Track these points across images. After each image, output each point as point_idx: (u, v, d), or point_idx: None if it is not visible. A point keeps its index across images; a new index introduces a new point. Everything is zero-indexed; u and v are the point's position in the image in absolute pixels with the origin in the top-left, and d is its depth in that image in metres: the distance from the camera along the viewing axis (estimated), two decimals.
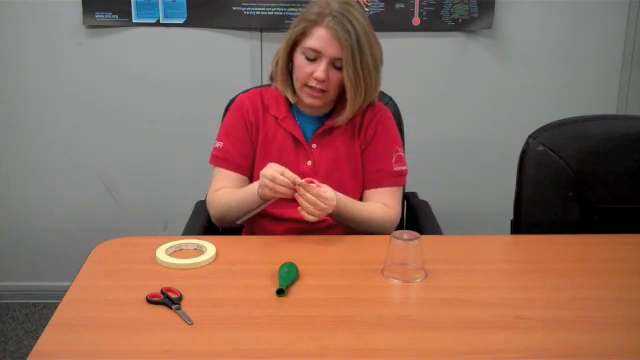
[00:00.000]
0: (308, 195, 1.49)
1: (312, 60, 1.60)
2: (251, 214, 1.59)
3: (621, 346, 1.16)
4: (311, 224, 1.68)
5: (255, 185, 1.59)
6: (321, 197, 1.50)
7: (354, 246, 1.55)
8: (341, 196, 1.58)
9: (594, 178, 1.75)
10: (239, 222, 1.62)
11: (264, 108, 1.72)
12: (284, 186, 1.49)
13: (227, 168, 1.70)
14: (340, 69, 1.60)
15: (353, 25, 1.57)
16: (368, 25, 1.61)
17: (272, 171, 1.50)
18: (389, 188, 1.71)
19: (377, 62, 1.64)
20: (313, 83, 1.61)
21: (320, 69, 1.59)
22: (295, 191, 1.50)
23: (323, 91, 1.62)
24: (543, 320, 1.22)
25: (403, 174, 1.74)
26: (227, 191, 1.68)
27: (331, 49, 1.58)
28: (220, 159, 1.71)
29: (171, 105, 2.53)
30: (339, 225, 1.67)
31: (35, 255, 2.69)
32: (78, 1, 2.38)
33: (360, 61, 1.58)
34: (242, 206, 1.62)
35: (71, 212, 2.64)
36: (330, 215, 1.57)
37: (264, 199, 1.57)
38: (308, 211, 1.50)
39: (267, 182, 1.50)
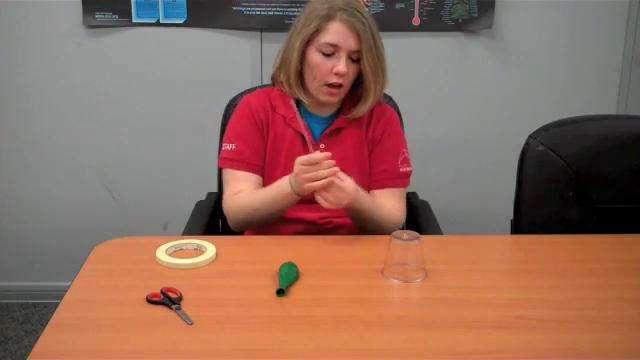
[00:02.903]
0: (321, 174, 1.47)
1: (329, 56, 1.60)
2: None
3: (621, 346, 1.16)
4: (317, 226, 1.69)
5: (284, 181, 1.56)
6: (337, 187, 1.48)
7: (354, 246, 1.55)
8: (361, 192, 1.57)
9: (594, 178, 1.75)
10: None
11: (272, 108, 1.70)
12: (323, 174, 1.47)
13: (243, 169, 1.67)
14: (356, 61, 1.61)
15: (364, 16, 1.59)
16: (371, 16, 1.63)
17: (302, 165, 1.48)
18: (395, 189, 1.71)
19: (385, 52, 1.65)
20: (334, 79, 1.60)
21: (341, 63, 1.58)
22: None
23: (340, 86, 1.62)
24: (543, 320, 1.22)
25: (408, 175, 1.74)
26: (247, 194, 1.65)
27: (349, 42, 1.58)
28: (234, 161, 1.68)
29: (171, 105, 2.53)
30: (353, 221, 1.66)
31: (35, 255, 2.69)
32: (78, 1, 2.38)
33: (376, 50, 1.60)
34: (272, 206, 1.60)
35: (71, 212, 2.64)
36: (347, 208, 1.55)
37: (300, 194, 1.53)
38: (324, 197, 1.48)
39: (306, 181, 1.48)
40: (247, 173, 1.67)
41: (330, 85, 1.62)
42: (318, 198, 1.50)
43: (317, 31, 1.60)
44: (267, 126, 1.70)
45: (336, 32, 1.58)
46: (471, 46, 2.50)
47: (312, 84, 1.64)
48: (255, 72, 2.47)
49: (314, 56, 1.61)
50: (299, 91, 1.67)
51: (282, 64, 1.67)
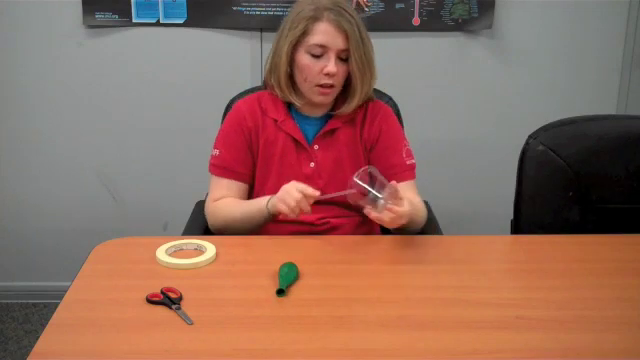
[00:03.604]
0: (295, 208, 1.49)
1: (318, 57, 1.60)
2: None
3: (621, 346, 1.16)
4: (314, 227, 1.69)
5: (263, 200, 1.59)
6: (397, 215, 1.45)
7: (354, 246, 1.55)
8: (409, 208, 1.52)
9: (594, 178, 1.75)
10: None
11: (262, 112, 1.70)
12: (296, 201, 1.48)
13: (225, 176, 1.69)
14: (345, 60, 1.61)
15: (351, 15, 1.59)
16: (358, 15, 1.63)
17: (295, 187, 1.50)
18: (408, 182, 1.69)
19: (373, 50, 1.65)
20: (325, 80, 1.60)
21: (331, 63, 1.58)
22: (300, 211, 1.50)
23: (332, 86, 1.62)
24: (543, 320, 1.22)
25: (414, 167, 1.73)
26: (228, 202, 1.66)
27: (337, 41, 1.58)
28: (217, 167, 1.70)
29: (171, 105, 2.53)
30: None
31: (35, 255, 2.69)
32: (78, 1, 2.38)
33: (363, 49, 1.60)
34: (248, 219, 1.62)
35: (71, 212, 2.64)
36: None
37: (273, 213, 1.56)
38: (379, 220, 1.47)
39: (285, 196, 1.50)
40: (229, 180, 1.69)
41: (321, 85, 1.61)
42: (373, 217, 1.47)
43: (305, 33, 1.59)
44: (257, 132, 1.69)
45: (324, 32, 1.58)
46: (471, 46, 2.50)
47: (303, 86, 1.64)
48: (255, 72, 2.47)
49: (303, 58, 1.61)
50: (291, 94, 1.66)
51: (272, 68, 1.67)
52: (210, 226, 1.70)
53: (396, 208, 1.44)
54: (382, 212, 1.44)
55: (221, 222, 1.66)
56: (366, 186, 1.46)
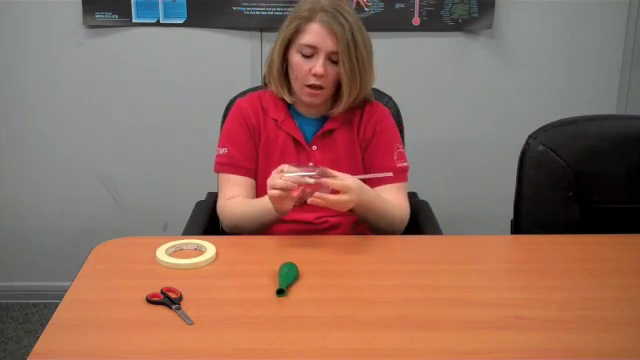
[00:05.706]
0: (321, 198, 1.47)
1: (308, 57, 1.60)
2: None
3: (621, 346, 1.16)
4: (313, 225, 1.69)
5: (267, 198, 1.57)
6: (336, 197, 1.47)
7: (354, 246, 1.55)
8: (365, 185, 1.56)
9: (594, 178, 1.75)
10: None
11: (263, 111, 1.71)
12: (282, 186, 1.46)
13: (235, 173, 1.69)
14: (336, 63, 1.61)
15: (346, 18, 1.59)
16: (358, 19, 1.63)
17: (274, 177, 1.48)
18: (395, 185, 1.70)
19: (370, 55, 1.65)
20: (312, 80, 1.61)
21: (318, 64, 1.59)
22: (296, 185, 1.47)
23: (321, 87, 1.62)
24: (543, 320, 1.22)
25: (405, 170, 1.73)
26: (240, 201, 1.67)
27: (327, 43, 1.59)
28: (226, 165, 1.70)
29: (171, 105, 2.53)
30: (360, 220, 1.65)
31: (35, 255, 2.69)
32: (78, 1, 2.38)
33: (355, 53, 1.59)
34: (256, 219, 1.62)
35: (71, 212, 2.64)
36: (353, 206, 1.53)
37: (280, 212, 1.54)
38: (329, 202, 1.47)
39: (271, 192, 1.47)
40: (240, 177, 1.69)
41: (310, 86, 1.62)
42: (316, 201, 1.47)
43: (297, 32, 1.60)
44: (259, 130, 1.70)
45: (315, 33, 1.59)
46: (471, 46, 2.50)
47: (295, 84, 1.66)
48: (255, 72, 2.47)
49: (294, 57, 1.62)
50: (283, 91, 1.68)
51: (269, 64, 1.69)
52: (223, 225, 1.70)
53: (326, 196, 1.46)
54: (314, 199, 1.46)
55: (233, 221, 1.66)
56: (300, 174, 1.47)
